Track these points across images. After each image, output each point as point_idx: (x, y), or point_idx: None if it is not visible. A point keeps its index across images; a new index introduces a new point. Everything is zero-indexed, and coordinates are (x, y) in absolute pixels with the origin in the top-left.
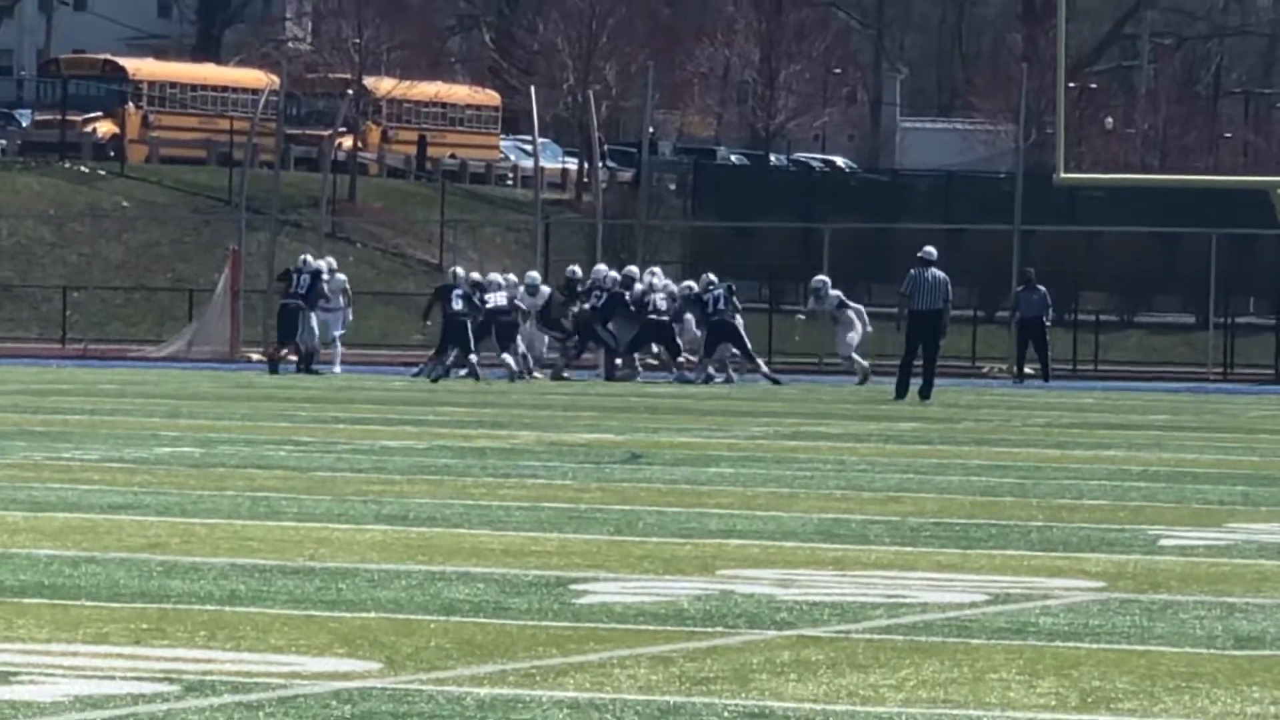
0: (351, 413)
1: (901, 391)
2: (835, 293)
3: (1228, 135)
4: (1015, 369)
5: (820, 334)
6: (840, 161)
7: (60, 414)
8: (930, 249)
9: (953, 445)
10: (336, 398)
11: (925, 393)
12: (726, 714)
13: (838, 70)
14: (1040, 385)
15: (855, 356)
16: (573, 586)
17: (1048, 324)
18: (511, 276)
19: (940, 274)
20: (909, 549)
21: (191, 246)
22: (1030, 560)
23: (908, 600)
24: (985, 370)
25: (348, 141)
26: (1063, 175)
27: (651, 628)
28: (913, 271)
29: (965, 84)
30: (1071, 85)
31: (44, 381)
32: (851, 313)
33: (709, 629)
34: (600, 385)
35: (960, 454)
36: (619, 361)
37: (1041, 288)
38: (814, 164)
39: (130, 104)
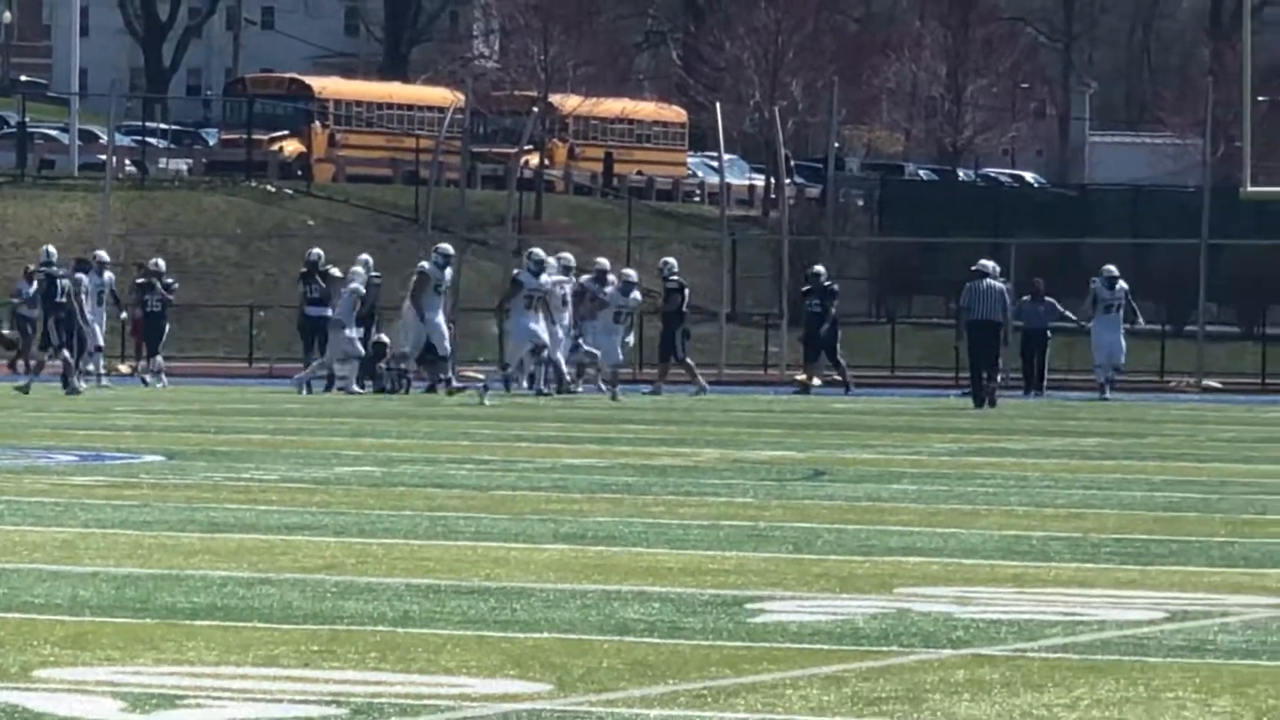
0: (534, 431)
1: (979, 400)
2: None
3: None
4: (1025, 381)
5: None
6: (1029, 176)
7: (242, 433)
8: (986, 262)
9: (1137, 460)
10: (519, 415)
11: (992, 401)
12: None
13: (1025, 85)
14: (1036, 397)
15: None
16: (748, 605)
17: (1050, 337)
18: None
19: (997, 285)
20: (1089, 565)
21: (377, 265)
22: (1210, 576)
23: (1085, 618)
24: (1172, 385)
25: (534, 159)
26: (1250, 189)
27: (825, 647)
28: (969, 284)
29: (1153, 98)
30: (1260, 99)
31: (228, 401)
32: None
33: (884, 648)
34: (782, 401)
35: (1144, 469)
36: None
37: (1050, 299)
38: (1002, 179)
39: (317, 123)
